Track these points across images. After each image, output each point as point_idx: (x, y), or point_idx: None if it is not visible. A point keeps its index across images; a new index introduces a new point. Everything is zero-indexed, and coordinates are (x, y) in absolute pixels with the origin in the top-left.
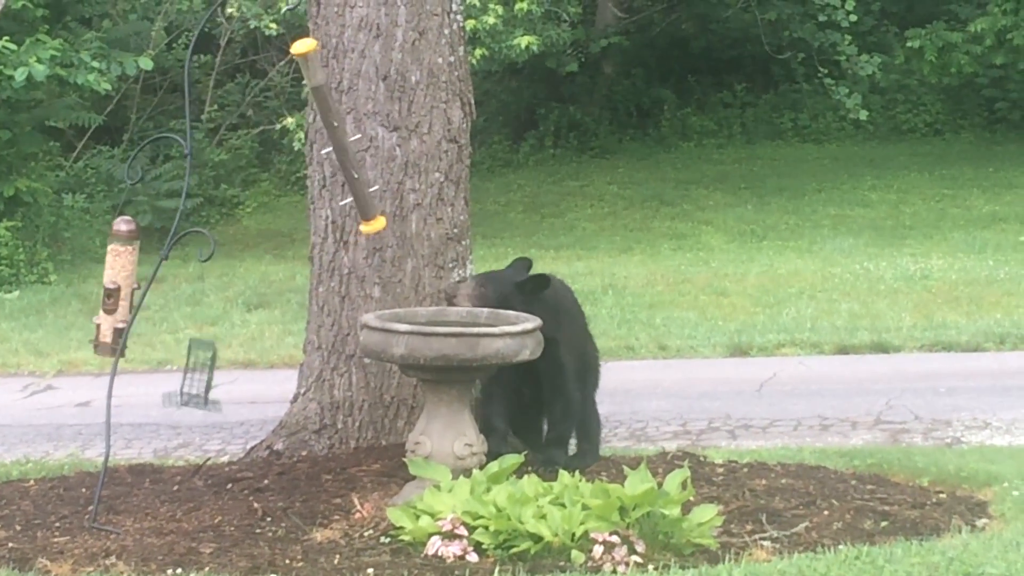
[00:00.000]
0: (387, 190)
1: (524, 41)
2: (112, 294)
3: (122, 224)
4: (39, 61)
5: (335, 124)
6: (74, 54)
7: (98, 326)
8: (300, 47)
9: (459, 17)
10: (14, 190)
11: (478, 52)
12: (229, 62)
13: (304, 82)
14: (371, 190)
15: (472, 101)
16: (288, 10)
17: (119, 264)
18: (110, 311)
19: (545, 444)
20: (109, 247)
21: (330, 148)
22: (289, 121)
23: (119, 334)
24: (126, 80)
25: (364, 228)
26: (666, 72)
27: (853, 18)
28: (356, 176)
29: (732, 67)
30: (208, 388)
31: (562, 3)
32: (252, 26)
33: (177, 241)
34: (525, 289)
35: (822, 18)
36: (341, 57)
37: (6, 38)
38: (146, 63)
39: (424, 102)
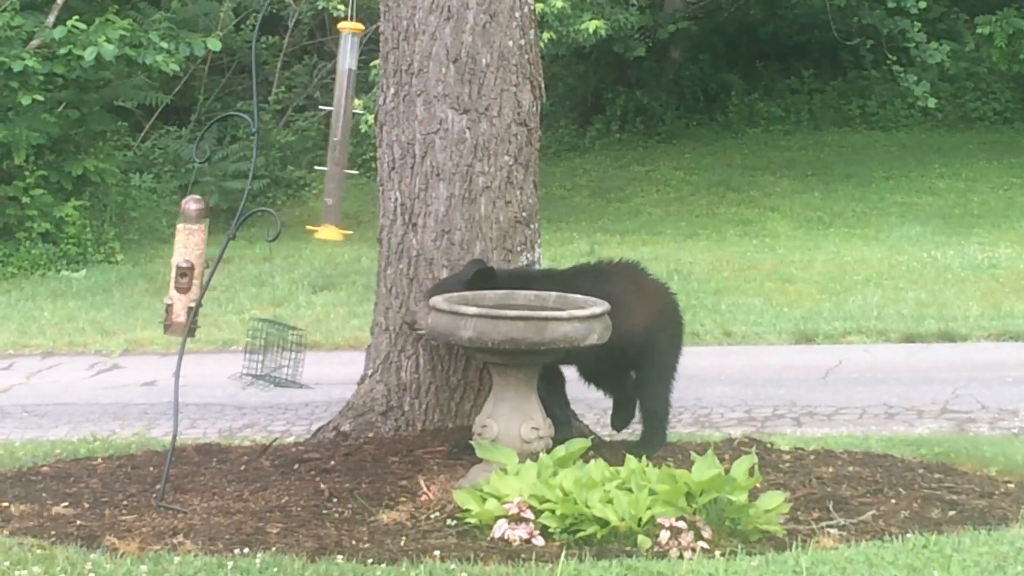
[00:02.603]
0: (456, 172)
1: (592, 25)
2: (186, 273)
3: (192, 203)
4: (108, 41)
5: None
6: (143, 34)
7: (169, 306)
8: (350, 25)
9: (530, 0)
10: (82, 170)
11: (546, 36)
12: (297, 43)
13: (345, 61)
14: (329, 203)
15: (542, 84)
16: None
17: (192, 243)
18: (183, 290)
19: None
20: (179, 226)
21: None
22: (357, 103)
23: (192, 313)
24: (194, 61)
25: (320, 234)
26: (734, 57)
27: (922, 5)
28: (339, 176)
29: (800, 53)
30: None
31: None
32: (320, 7)
33: (244, 221)
34: (475, 286)
35: (891, 4)
36: (412, 39)
37: (76, 18)
38: (214, 44)
39: (494, 85)
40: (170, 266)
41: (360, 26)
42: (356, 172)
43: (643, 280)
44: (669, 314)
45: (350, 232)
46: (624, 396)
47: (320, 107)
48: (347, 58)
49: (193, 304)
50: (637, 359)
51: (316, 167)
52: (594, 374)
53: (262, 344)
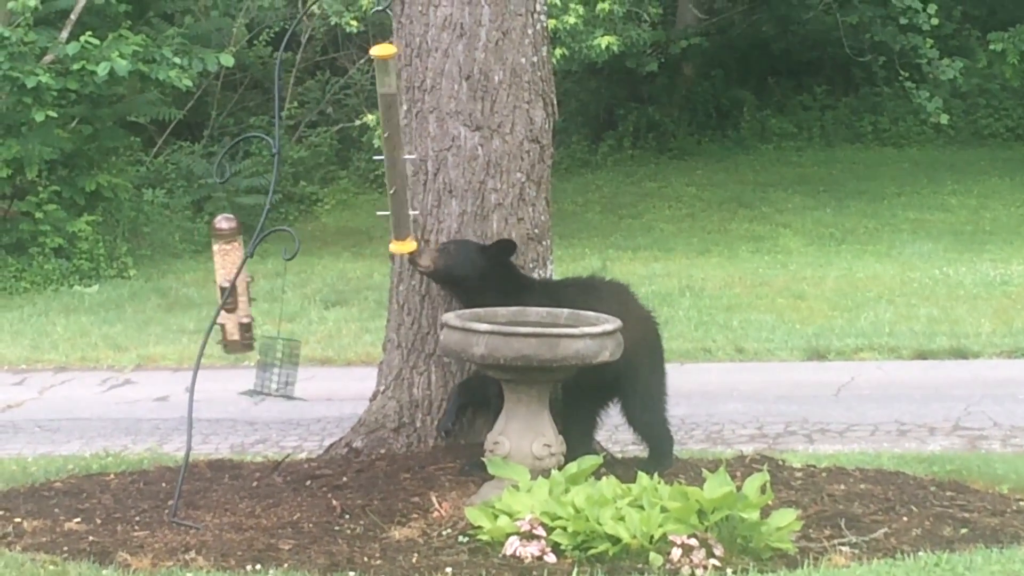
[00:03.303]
0: (468, 189)
1: (604, 41)
2: (231, 292)
3: (223, 222)
4: (121, 56)
5: (392, 136)
6: (156, 50)
7: (223, 326)
8: (381, 50)
9: (543, 17)
10: (95, 185)
11: (558, 52)
12: (310, 59)
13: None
14: (412, 213)
15: (555, 101)
16: (376, 11)
17: (230, 261)
18: (231, 309)
19: None
20: (215, 247)
21: (412, 155)
22: (369, 119)
23: (245, 329)
24: (207, 76)
25: (393, 247)
26: (746, 74)
27: (935, 21)
28: (396, 192)
29: (812, 69)
30: (291, 381)
31: (643, 3)
32: (333, 23)
33: (262, 239)
34: (489, 253)
35: (903, 21)
36: (424, 56)
37: (89, 33)
38: (227, 59)
39: (507, 102)
40: (215, 288)
41: (393, 49)
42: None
43: (630, 303)
44: (651, 340)
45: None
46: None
47: (375, 157)
48: (391, 82)
49: (244, 320)
50: (615, 383)
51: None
52: (570, 395)
53: (274, 360)
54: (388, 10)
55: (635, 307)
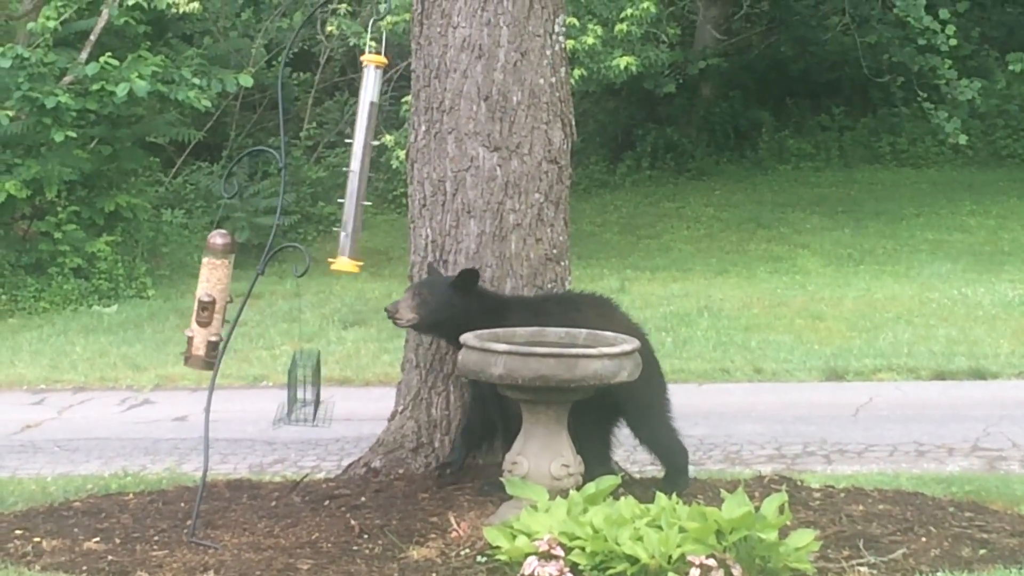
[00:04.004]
0: (487, 210)
1: (623, 62)
2: (207, 307)
3: (218, 238)
4: (140, 77)
5: (367, 146)
6: (175, 71)
7: (190, 339)
8: (373, 58)
9: (561, 38)
10: (114, 205)
11: (577, 72)
12: (328, 80)
13: (366, 95)
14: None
15: (573, 122)
16: (376, 20)
17: (215, 277)
18: (204, 324)
19: None
20: (204, 260)
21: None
22: (387, 139)
23: (212, 347)
24: (226, 97)
25: (337, 266)
26: (764, 94)
27: (953, 42)
28: (358, 208)
29: (830, 90)
30: (316, 404)
31: (661, 24)
32: (351, 44)
33: (273, 256)
34: (459, 286)
35: (922, 42)
36: (443, 77)
37: (108, 54)
38: (246, 80)
39: (525, 123)
40: (194, 298)
41: (383, 59)
42: (369, 203)
43: (614, 315)
44: (642, 353)
45: (361, 263)
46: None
47: (346, 140)
48: (369, 91)
49: (213, 338)
50: (615, 401)
51: (339, 199)
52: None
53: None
54: (391, 24)
55: (619, 319)
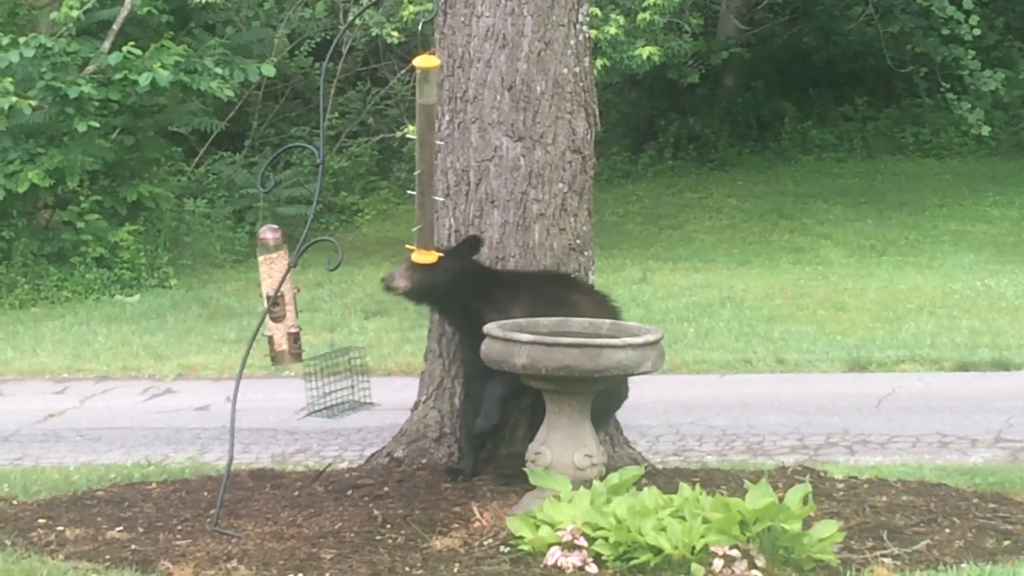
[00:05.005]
0: (511, 200)
1: (645, 52)
2: (277, 302)
3: (268, 232)
4: (163, 67)
5: (428, 147)
6: (197, 60)
7: (270, 337)
8: (424, 62)
9: (585, 28)
10: (137, 195)
11: (600, 63)
12: (350, 70)
13: (419, 96)
14: (426, 228)
15: (596, 112)
16: (424, 22)
17: (275, 272)
18: (279, 319)
19: None
20: (260, 258)
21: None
22: (410, 129)
23: (294, 339)
24: (248, 87)
25: (416, 256)
26: (787, 85)
27: (977, 32)
28: (427, 201)
29: (853, 80)
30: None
31: (684, 15)
32: (374, 34)
33: (306, 249)
34: (459, 255)
35: (945, 32)
36: (467, 67)
37: (131, 44)
38: (268, 70)
39: (549, 112)
40: (262, 299)
41: (436, 61)
42: (441, 199)
43: (590, 290)
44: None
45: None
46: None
47: (407, 136)
48: (432, 93)
49: (293, 330)
50: None
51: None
52: None
53: (321, 377)
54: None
55: (597, 293)
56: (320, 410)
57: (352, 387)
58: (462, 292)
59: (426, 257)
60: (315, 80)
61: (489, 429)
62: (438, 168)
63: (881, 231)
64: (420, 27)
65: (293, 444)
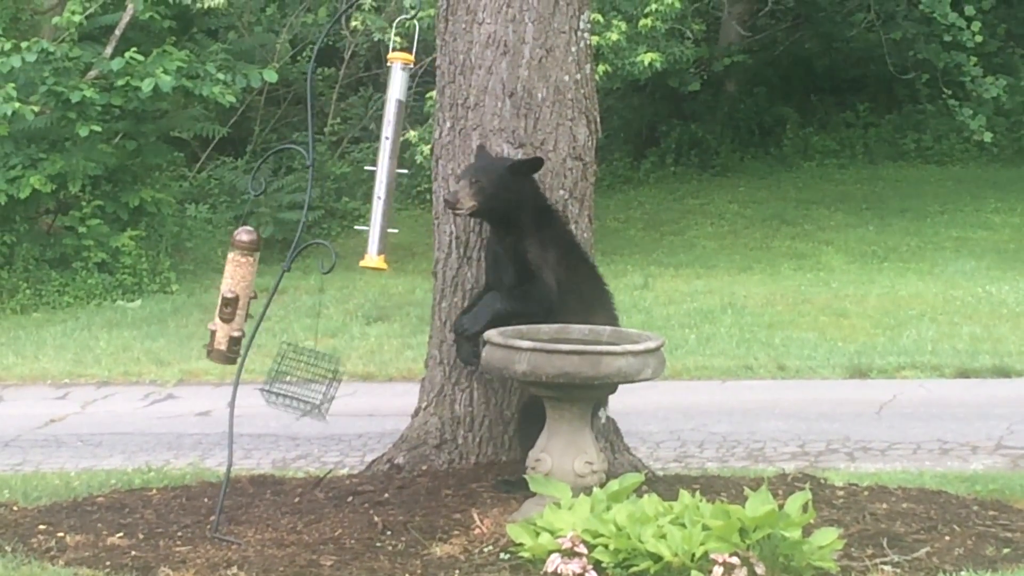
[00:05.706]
0: None
1: (647, 58)
2: (230, 303)
3: (244, 234)
4: (165, 72)
5: (393, 143)
6: (200, 66)
7: (213, 332)
8: (400, 55)
9: (586, 35)
10: (138, 200)
11: (601, 69)
12: (352, 75)
13: (393, 92)
14: (389, 230)
15: (598, 119)
16: (406, 19)
17: (239, 274)
18: (227, 320)
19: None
20: (229, 256)
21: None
22: (411, 135)
23: (234, 342)
24: (250, 92)
25: (364, 262)
26: (789, 91)
27: (979, 39)
28: (384, 203)
29: (855, 87)
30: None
31: (686, 21)
32: (376, 39)
33: (299, 253)
34: (520, 170)
35: (947, 38)
36: (468, 73)
37: (133, 49)
38: (271, 75)
39: (550, 119)
40: (218, 293)
41: (410, 57)
42: (380, 198)
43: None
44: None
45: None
46: None
47: (384, 136)
48: (395, 89)
49: (235, 334)
50: None
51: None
52: None
53: (284, 368)
54: (417, 21)
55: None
56: (273, 392)
57: (323, 393)
58: (522, 213)
59: (375, 264)
60: (316, 85)
61: (467, 334)
62: (438, 175)
63: (882, 237)
64: (394, 26)
65: (294, 450)
